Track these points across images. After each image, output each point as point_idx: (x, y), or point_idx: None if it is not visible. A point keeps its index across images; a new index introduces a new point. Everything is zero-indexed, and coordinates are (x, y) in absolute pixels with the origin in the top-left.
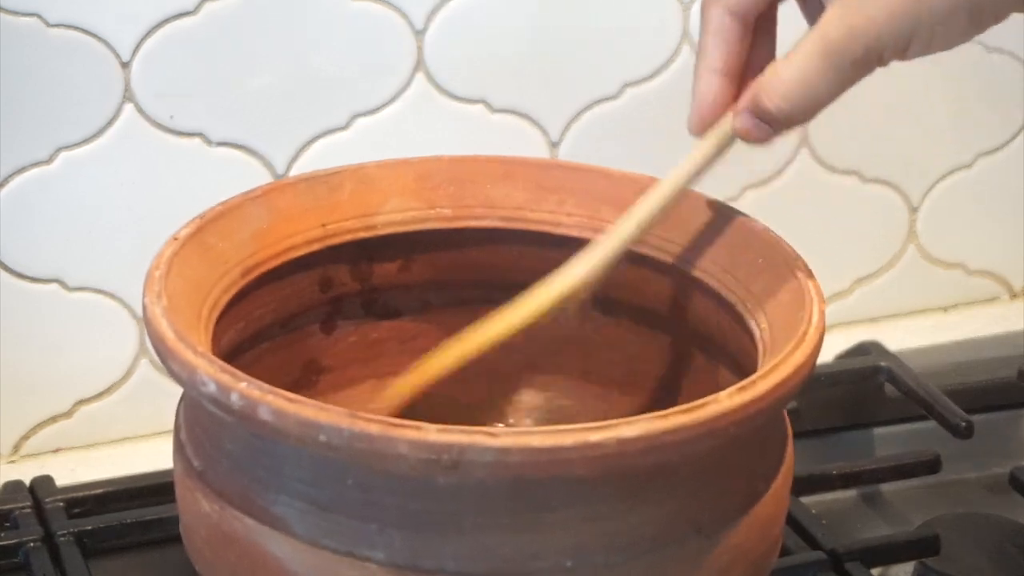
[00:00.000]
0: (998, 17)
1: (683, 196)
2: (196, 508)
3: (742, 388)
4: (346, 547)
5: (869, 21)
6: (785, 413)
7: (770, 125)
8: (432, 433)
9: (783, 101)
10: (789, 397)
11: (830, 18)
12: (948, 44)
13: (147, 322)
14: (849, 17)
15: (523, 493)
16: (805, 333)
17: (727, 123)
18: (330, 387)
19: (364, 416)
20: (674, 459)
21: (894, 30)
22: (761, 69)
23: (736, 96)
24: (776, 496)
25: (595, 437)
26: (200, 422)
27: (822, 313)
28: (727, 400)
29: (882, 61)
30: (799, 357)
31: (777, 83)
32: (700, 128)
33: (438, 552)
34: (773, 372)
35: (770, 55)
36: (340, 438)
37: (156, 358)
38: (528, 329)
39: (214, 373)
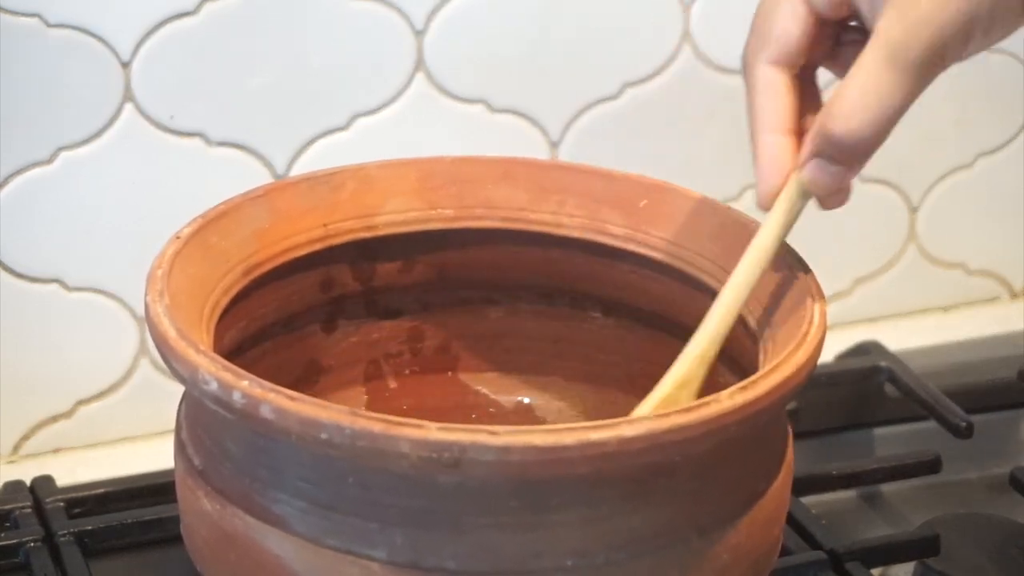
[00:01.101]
0: None
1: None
2: (197, 507)
3: (743, 388)
4: (347, 546)
5: (927, 15)
6: (785, 414)
7: (842, 162)
8: (433, 431)
9: (852, 122)
10: (790, 397)
11: (887, 21)
12: (1007, 30)
13: (149, 321)
14: (906, 14)
15: (524, 492)
16: (806, 333)
17: (794, 184)
18: (331, 387)
19: (366, 414)
20: (675, 458)
21: (953, 20)
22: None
23: None
24: (777, 496)
25: (596, 436)
26: (201, 421)
27: (823, 313)
28: (728, 400)
29: (944, 60)
30: (800, 357)
31: (842, 104)
32: (770, 199)
33: (439, 551)
34: (774, 372)
35: (819, 107)
36: (342, 436)
37: (156, 358)
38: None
39: (216, 371)
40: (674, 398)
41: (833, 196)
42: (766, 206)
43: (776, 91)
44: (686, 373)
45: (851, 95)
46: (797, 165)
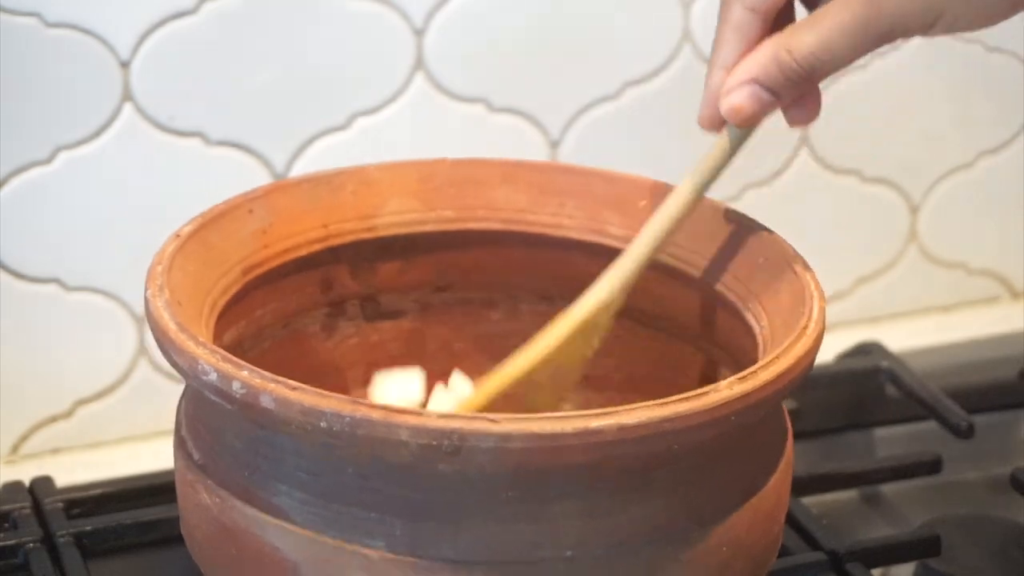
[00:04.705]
0: None
1: (700, 202)
2: (197, 501)
3: (742, 378)
4: (347, 537)
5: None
6: (784, 409)
7: (777, 91)
8: (433, 419)
9: (812, 55)
10: (788, 389)
11: None
12: (977, 26)
13: (149, 315)
14: None
15: (524, 481)
16: (805, 327)
17: (724, 135)
18: (330, 388)
19: (366, 403)
20: (674, 447)
21: (921, 9)
22: None
23: None
24: (775, 491)
25: (596, 423)
26: (202, 415)
27: (822, 309)
28: (727, 389)
29: (906, 36)
30: (799, 350)
31: (805, 35)
32: (710, 123)
33: (439, 541)
34: (773, 363)
35: None
36: (342, 424)
37: (155, 358)
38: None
39: (216, 362)
40: (576, 341)
41: (799, 110)
42: (708, 128)
43: (742, 32)
44: (590, 319)
45: (807, 41)
46: (724, 92)
